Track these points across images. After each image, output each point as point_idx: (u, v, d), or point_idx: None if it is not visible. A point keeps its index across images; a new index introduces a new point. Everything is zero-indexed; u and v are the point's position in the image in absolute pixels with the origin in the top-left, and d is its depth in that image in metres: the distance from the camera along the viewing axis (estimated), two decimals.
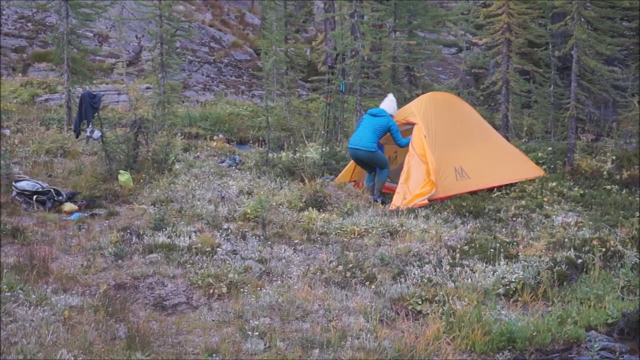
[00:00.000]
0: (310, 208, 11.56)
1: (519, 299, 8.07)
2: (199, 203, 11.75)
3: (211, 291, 8.13)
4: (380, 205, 12.11)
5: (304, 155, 15.56)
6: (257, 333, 6.94)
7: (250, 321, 7.25)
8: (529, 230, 10.64)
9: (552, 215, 11.43)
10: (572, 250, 9.28)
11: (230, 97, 26.62)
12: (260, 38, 28.04)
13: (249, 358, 6.56)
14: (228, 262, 9.02)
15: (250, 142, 19.18)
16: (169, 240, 9.79)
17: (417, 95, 15.92)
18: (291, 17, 25.57)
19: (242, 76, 30.74)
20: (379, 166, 12.93)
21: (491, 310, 7.49)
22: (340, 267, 8.82)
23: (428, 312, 7.58)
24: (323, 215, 11.33)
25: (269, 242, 9.93)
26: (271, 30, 25.38)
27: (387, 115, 13.00)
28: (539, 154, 14.93)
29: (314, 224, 10.85)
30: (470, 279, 8.49)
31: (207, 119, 21.36)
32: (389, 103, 13.27)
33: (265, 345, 6.77)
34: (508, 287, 8.26)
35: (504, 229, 10.70)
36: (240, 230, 10.45)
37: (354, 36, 17.60)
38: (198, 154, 16.50)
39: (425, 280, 8.45)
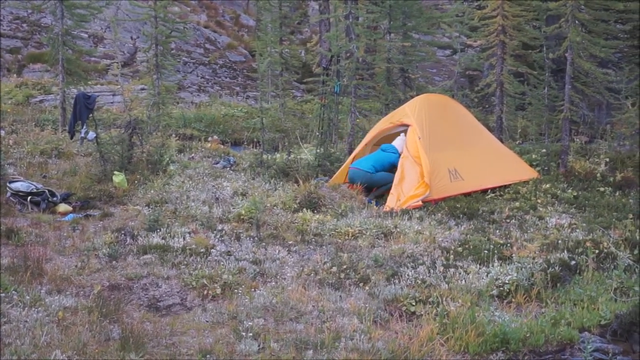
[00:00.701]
0: (304, 209, 11.58)
1: (513, 300, 8.09)
2: (193, 204, 11.75)
3: (205, 292, 8.14)
4: (375, 207, 12.14)
5: (298, 157, 15.59)
6: (251, 334, 6.95)
7: (244, 322, 7.26)
8: (522, 231, 10.67)
9: (546, 217, 11.46)
10: (565, 251, 9.32)
11: (225, 98, 26.60)
12: (255, 39, 28.08)
13: (242, 359, 6.56)
14: (222, 263, 9.04)
15: (245, 143, 19.18)
16: (163, 241, 9.79)
17: (412, 97, 15.95)
18: (286, 19, 25.57)
19: (237, 77, 30.73)
20: (380, 185, 13.03)
21: (485, 312, 7.50)
22: (334, 269, 8.83)
23: (422, 313, 7.60)
24: (317, 216, 11.35)
25: (263, 244, 9.94)
26: (266, 31, 25.39)
27: (396, 152, 13.28)
28: (533, 156, 14.97)
29: (308, 225, 10.86)
30: (464, 280, 8.51)
31: (201, 120, 21.37)
32: (400, 142, 13.48)
33: (259, 346, 6.77)
34: (502, 288, 8.28)
35: (497, 231, 10.73)
36: (235, 231, 10.45)
37: (349, 38, 17.61)
38: (192, 155, 16.51)
39: (419, 282, 8.47)
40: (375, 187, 13.12)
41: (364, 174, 13.02)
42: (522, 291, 8.19)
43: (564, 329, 7.16)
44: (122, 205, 12.09)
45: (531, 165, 14.30)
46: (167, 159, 14.52)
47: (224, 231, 10.42)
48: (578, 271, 8.78)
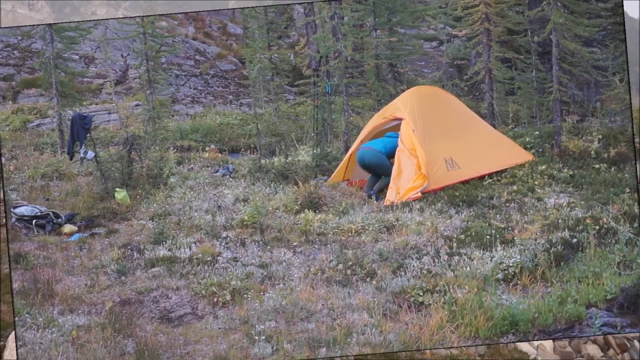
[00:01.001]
0: (306, 210, 11.68)
1: (518, 282, 8.19)
2: (196, 214, 11.85)
3: (215, 300, 8.24)
4: (375, 202, 12.23)
5: (296, 159, 15.66)
6: (263, 337, 7.04)
7: (256, 326, 7.35)
8: (522, 214, 10.75)
9: (544, 197, 11.54)
10: (566, 230, 9.41)
11: (219, 107, 26.61)
12: (244, 47, 28.13)
13: None
14: (230, 269, 9.14)
15: (242, 150, 19.23)
16: (169, 253, 9.89)
17: (402, 91, 16.01)
18: (272, 24, 25.62)
19: (229, 86, 30.76)
20: (384, 173, 13.06)
21: (492, 296, 7.60)
22: (341, 266, 8.93)
23: (430, 302, 7.69)
24: (319, 216, 11.45)
25: (269, 247, 10.04)
26: (254, 38, 25.40)
27: None
28: (527, 139, 15.03)
29: (311, 226, 10.96)
30: (469, 266, 8.61)
31: (198, 130, 21.39)
32: None
33: (272, 348, 6.87)
34: (507, 271, 8.39)
35: (498, 215, 10.81)
36: (239, 237, 10.55)
37: (336, 38, 17.68)
38: (192, 165, 16.58)
39: (425, 272, 8.57)
40: (383, 175, 13.07)
41: (375, 153, 13.04)
42: (526, 273, 8.29)
43: (571, 307, 7.26)
44: (127, 221, 12.18)
45: (525, 148, 14.35)
46: (167, 171, 14.60)
47: (228, 238, 10.52)
48: (580, 248, 8.86)
